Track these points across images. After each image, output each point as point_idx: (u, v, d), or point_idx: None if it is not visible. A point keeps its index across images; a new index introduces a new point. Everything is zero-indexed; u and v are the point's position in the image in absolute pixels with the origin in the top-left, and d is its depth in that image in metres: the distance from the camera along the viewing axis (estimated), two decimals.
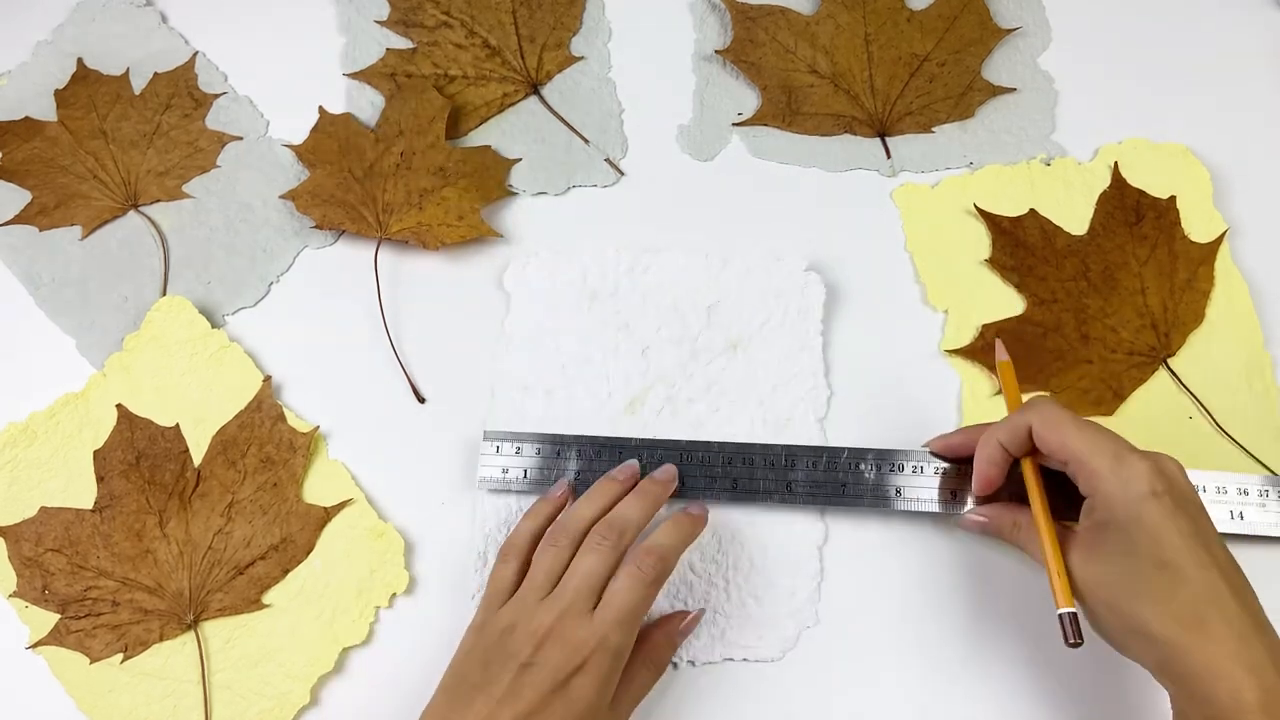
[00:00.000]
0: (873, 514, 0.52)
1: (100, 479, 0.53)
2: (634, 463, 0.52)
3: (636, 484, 0.50)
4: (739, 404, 0.55)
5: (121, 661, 0.50)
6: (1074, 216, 0.59)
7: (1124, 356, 0.56)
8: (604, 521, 0.47)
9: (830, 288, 0.57)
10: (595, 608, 0.45)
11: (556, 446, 0.53)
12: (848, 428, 0.55)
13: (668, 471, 0.51)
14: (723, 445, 0.52)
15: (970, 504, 0.50)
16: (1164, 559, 0.40)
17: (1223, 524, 0.49)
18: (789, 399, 0.55)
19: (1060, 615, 0.42)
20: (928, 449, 0.51)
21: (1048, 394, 0.54)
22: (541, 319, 0.57)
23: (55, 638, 0.50)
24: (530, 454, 0.53)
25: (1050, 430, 0.44)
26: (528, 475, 0.53)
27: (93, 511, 0.52)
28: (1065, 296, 0.57)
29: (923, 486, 0.51)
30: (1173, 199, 0.59)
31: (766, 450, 0.52)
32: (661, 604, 0.51)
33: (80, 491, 0.53)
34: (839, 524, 0.53)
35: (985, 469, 0.47)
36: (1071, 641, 0.42)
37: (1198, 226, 0.58)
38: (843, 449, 0.52)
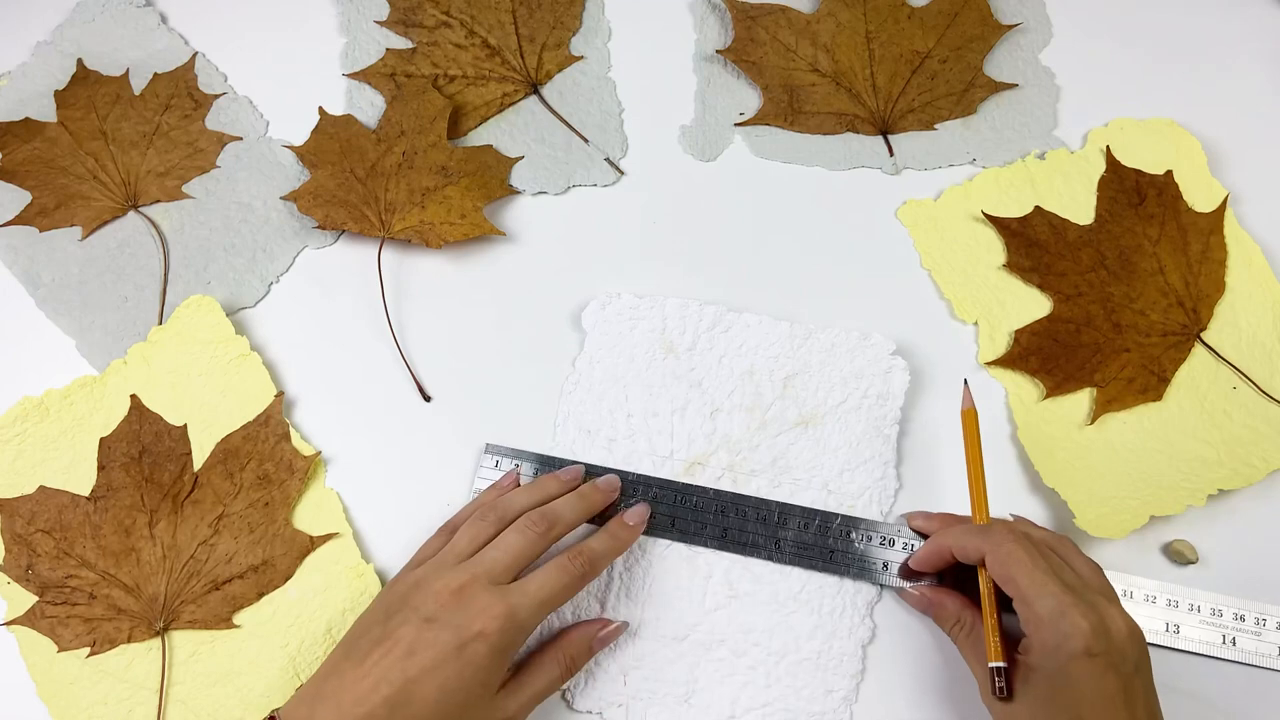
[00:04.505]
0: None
1: (101, 467, 0.53)
2: (580, 467, 0.51)
3: (578, 487, 0.50)
4: (803, 483, 0.53)
5: (87, 655, 0.50)
6: (1078, 207, 0.59)
7: (1159, 339, 0.55)
8: (536, 510, 0.47)
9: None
10: (509, 584, 0.44)
11: (555, 468, 0.52)
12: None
13: (610, 483, 0.51)
14: (718, 493, 0.52)
15: (900, 576, 0.50)
16: (1078, 715, 0.40)
17: (1216, 648, 0.50)
18: (856, 486, 0.53)
19: (991, 668, 0.44)
20: (907, 522, 0.51)
21: (1014, 519, 0.49)
22: (614, 364, 0.55)
23: (29, 619, 0.50)
24: (529, 473, 0.53)
25: (1000, 566, 0.44)
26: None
27: (88, 499, 0.52)
28: (1089, 289, 0.56)
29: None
30: (1169, 173, 0.59)
31: (760, 505, 0.52)
32: (675, 670, 0.50)
33: (81, 476, 0.53)
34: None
35: (929, 559, 0.49)
36: (999, 693, 0.43)
37: (1199, 197, 0.59)
38: (836, 515, 0.51)
